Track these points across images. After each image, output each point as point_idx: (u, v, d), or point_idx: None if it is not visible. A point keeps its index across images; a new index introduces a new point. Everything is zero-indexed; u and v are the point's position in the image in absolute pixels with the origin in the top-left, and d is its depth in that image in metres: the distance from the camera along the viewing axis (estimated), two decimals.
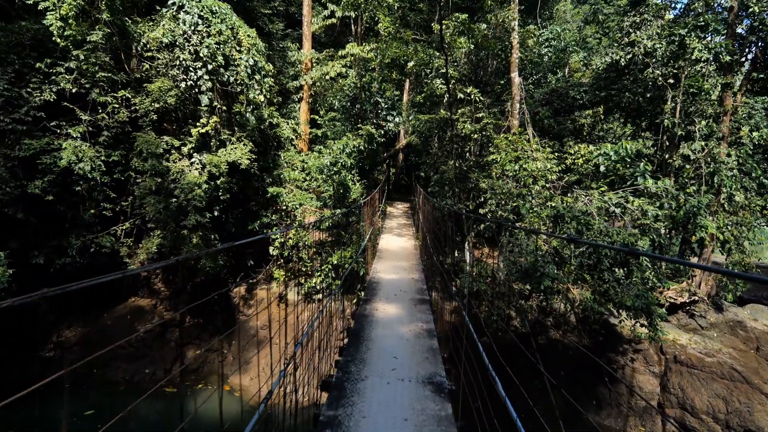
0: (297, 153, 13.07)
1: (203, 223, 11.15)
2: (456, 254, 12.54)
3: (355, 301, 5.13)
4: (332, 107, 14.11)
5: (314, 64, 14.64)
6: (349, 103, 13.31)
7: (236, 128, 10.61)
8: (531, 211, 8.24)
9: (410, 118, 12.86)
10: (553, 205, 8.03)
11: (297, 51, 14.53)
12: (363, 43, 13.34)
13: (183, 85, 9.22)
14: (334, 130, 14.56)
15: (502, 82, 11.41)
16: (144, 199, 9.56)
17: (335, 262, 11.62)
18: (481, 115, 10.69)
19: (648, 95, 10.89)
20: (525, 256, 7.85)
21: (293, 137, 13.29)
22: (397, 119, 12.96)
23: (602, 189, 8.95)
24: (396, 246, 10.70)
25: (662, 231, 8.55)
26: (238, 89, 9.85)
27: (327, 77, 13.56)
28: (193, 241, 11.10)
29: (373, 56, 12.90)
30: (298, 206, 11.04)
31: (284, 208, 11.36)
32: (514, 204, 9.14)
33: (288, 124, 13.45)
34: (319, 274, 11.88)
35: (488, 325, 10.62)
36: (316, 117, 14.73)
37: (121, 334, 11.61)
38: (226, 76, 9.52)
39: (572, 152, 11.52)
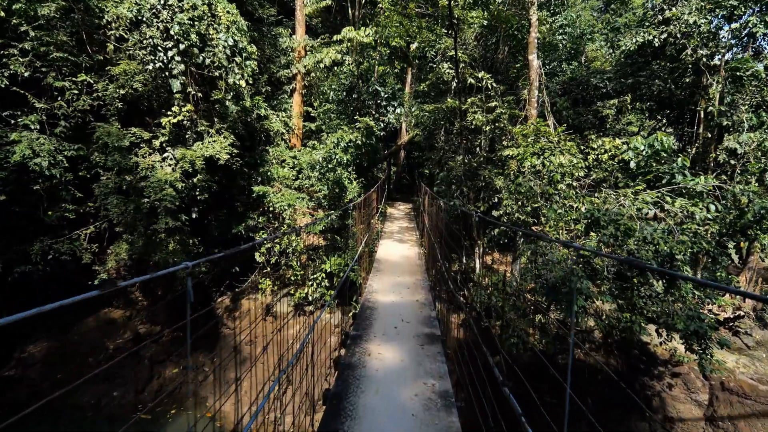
0: (287, 148, 11.81)
1: (180, 226, 9.93)
2: (464, 260, 11.24)
3: (342, 335, 3.80)
4: (327, 98, 12.85)
5: (308, 52, 13.38)
6: (345, 93, 12.03)
7: (216, 119, 9.35)
8: (557, 214, 6.94)
9: (413, 109, 11.59)
10: (585, 207, 6.72)
11: (289, 37, 13.27)
12: (361, 28, 12.11)
13: (150, 67, 7.96)
14: (329, 123, 13.29)
15: (518, 65, 10.10)
16: (106, 200, 8.32)
17: (329, 269, 10.37)
18: (493, 104, 9.39)
19: (686, 80, 9.55)
20: (551, 268, 6.54)
21: (284, 131, 12.02)
22: (398, 110, 11.66)
23: (639, 188, 7.64)
24: (397, 255, 9.33)
25: (709, 237, 7.23)
26: (216, 73, 8.60)
27: (321, 65, 12.29)
28: (170, 246, 9.85)
29: (371, 41, 11.63)
30: (286, 207, 9.77)
31: (271, 209, 10.09)
32: (536, 205, 7.84)
33: (278, 116, 12.19)
34: (311, 283, 10.62)
35: (502, 343, 9.35)
36: (310, 110, 13.48)
37: (89, 351, 10.41)
38: (201, 58, 8.26)
39: (595, 146, 10.22)
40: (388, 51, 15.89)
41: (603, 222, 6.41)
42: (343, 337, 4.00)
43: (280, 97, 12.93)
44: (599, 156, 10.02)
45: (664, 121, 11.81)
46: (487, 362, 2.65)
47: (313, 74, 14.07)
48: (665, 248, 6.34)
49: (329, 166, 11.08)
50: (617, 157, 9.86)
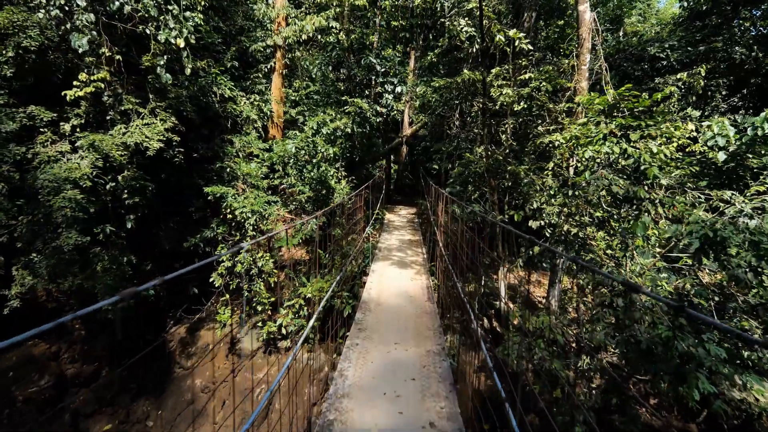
0: (259, 139, 9.37)
1: (112, 240, 7.55)
2: (483, 280, 8.77)
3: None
4: (311, 77, 10.43)
5: (289, 24, 10.95)
6: (331, 69, 9.64)
7: (151, 96, 6.92)
8: (647, 228, 4.45)
9: (418, 88, 9.18)
10: (695, 220, 4.23)
11: (265, 4, 10.85)
12: None
13: (42, 14, 5.53)
14: (315, 110, 10.84)
15: (561, 22, 7.58)
16: None
17: (309, 294, 7.95)
18: (527, 75, 6.91)
19: None
20: (640, 319, 4.05)
21: (256, 118, 9.58)
22: (399, 88, 9.17)
23: (759, 188, 5.13)
24: (395, 291, 6.06)
25: None
26: (145, 30, 6.16)
27: (304, 36, 9.84)
28: (97, 267, 7.44)
29: (365, 3, 9.19)
30: (249, 215, 7.34)
31: (230, 216, 7.67)
32: (598, 214, 5.35)
33: (249, 99, 9.76)
34: (286, 311, 8.19)
35: (540, 393, 6.90)
36: (291, 91, 11.05)
37: None
38: (118, 4, 5.82)
39: (656, 133, 7.73)
40: (388, 33, 13.48)
41: (734, 243, 3.93)
42: None
43: (253, 76, 10.50)
44: (663, 146, 7.53)
45: (740, 101, 9.25)
46: None
47: (297, 52, 11.65)
48: None
49: (314, 160, 8.64)
50: (688, 147, 7.37)
